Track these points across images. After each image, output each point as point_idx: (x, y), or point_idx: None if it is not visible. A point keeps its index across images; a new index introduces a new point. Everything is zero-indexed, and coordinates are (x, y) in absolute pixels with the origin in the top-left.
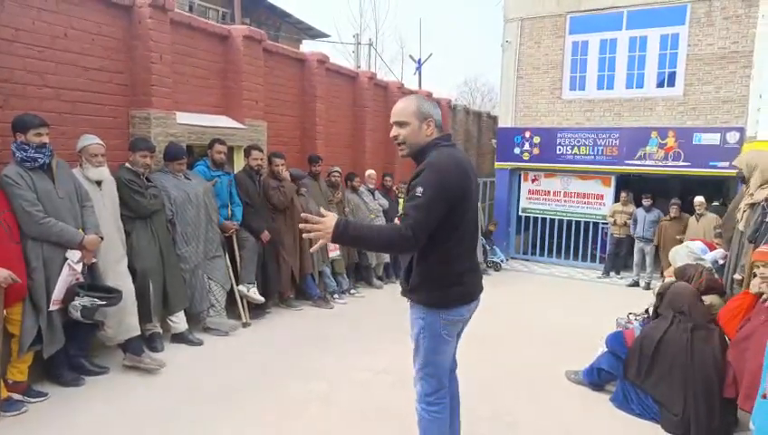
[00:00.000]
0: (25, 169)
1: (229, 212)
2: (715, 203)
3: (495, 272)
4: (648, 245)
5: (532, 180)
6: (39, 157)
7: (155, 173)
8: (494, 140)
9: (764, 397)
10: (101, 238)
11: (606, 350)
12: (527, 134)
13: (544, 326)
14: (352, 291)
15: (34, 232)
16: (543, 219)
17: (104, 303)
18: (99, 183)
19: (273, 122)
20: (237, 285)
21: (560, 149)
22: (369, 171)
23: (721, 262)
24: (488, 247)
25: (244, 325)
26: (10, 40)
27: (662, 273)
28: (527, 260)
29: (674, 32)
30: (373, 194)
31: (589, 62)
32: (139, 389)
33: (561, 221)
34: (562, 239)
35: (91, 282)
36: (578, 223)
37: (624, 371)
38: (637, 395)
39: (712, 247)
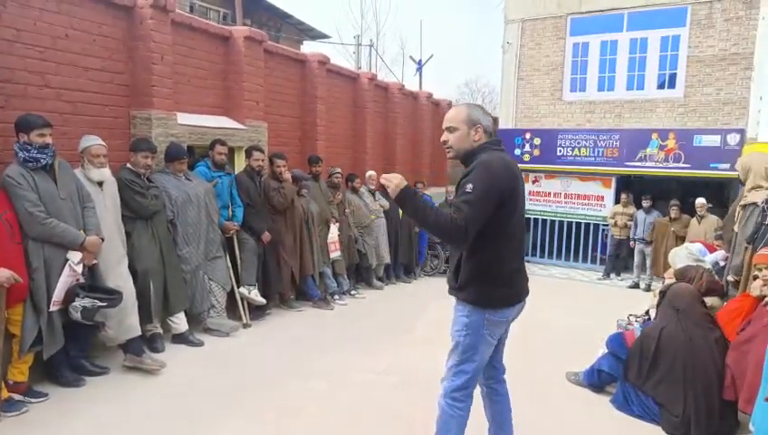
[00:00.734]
0: (28, 170)
1: (230, 213)
2: (709, 205)
3: None
4: (648, 246)
5: (533, 182)
6: (42, 157)
7: (156, 174)
8: None
9: (766, 400)
10: (102, 240)
11: (606, 351)
12: (527, 135)
13: (544, 328)
14: (353, 292)
15: (36, 233)
16: (544, 221)
17: (104, 304)
18: (100, 184)
19: (274, 123)
20: (238, 286)
21: (560, 151)
22: (370, 172)
23: (722, 263)
24: None
25: (245, 326)
26: (11, 40)
27: (658, 273)
28: (527, 261)
29: (674, 33)
30: (374, 195)
31: (589, 64)
32: (140, 389)
33: (561, 223)
34: (563, 241)
35: (92, 283)
36: (578, 224)
37: (624, 372)
38: (637, 396)
39: (712, 249)
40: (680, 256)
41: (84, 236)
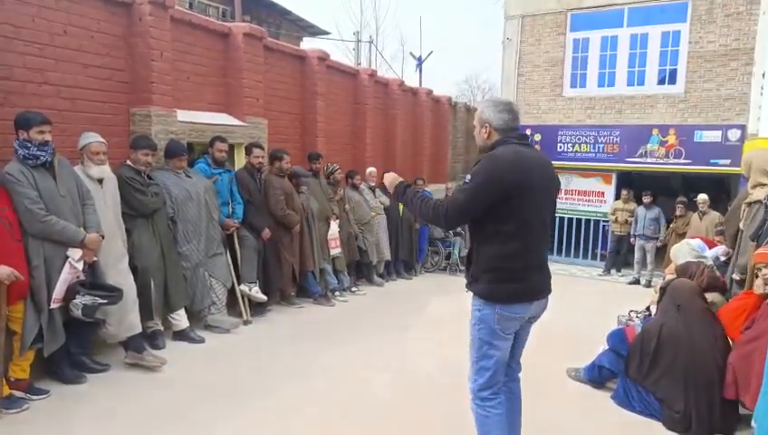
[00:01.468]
0: (27, 167)
1: (230, 210)
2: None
3: None
4: (648, 242)
5: None
6: (41, 154)
7: (156, 171)
8: None
9: None
10: (102, 237)
11: (607, 347)
12: (528, 132)
13: (545, 324)
14: (353, 289)
15: (36, 230)
16: None
17: (105, 301)
18: (100, 181)
19: (274, 120)
20: (239, 283)
21: (561, 147)
22: (371, 169)
23: (722, 259)
24: None
25: (246, 323)
26: (9, 37)
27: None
28: None
29: (675, 29)
30: (374, 191)
31: (590, 60)
32: (141, 386)
33: (561, 219)
34: (563, 237)
35: (93, 280)
36: (579, 220)
37: (625, 368)
38: (638, 392)
39: (711, 245)
40: (682, 252)
41: (84, 234)
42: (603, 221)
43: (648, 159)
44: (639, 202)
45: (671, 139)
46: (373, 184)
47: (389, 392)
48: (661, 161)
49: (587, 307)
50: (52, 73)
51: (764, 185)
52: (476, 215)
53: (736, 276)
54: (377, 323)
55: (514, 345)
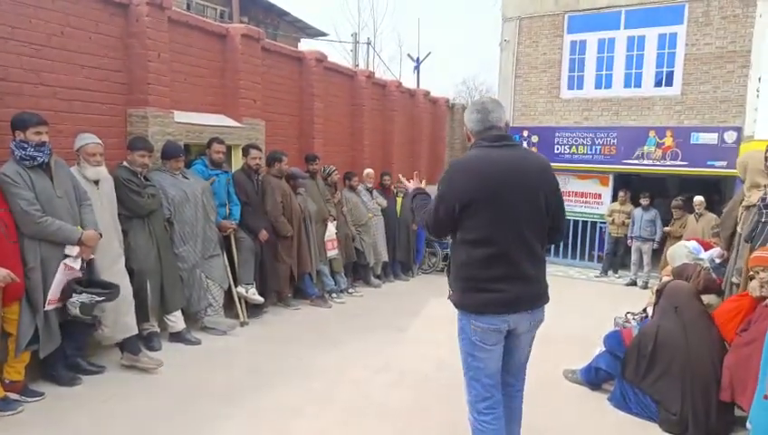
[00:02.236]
0: (24, 168)
1: (227, 211)
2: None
3: None
4: (645, 244)
5: None
6: (38, 155)
7: (153, 172)
8: None
9: (765, 398)
10: (100, 235)
11: (604, 349)
12: (525, 133)
13: (542, 325)
14: (350, 290)
15: (32, 231)
16: None
17: (102, 299)
18: (96, 182)
19: (271, 121)
20: (236, 285)
21: (558, 149)
22: (368, 170)
23: (717, 261)
24: None
25: (242, 325)
26: (6, 38)
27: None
28: None
29: (672, 31)
30: (371, 193)
31: (587, 62)
32: (137, 388)
33: None
34: None
35: (89, 277)
36: (575, 222)
37: (622, 370)
38: (635, 394)
39: (707, 246)
40: (679, 254)
41: (81, 232)
42: (600, 223)
43: (645, 161)
44: (636, 204)
45: (668, 141)
46: (370, 185)
47: (386, 394)
48: (658, 163)
49: (584, 309)
50: (49, 74)
51: (759, 187)
52: (450, 223)
53: (735, 280)
54: (374, 324)
55: (508, 359)
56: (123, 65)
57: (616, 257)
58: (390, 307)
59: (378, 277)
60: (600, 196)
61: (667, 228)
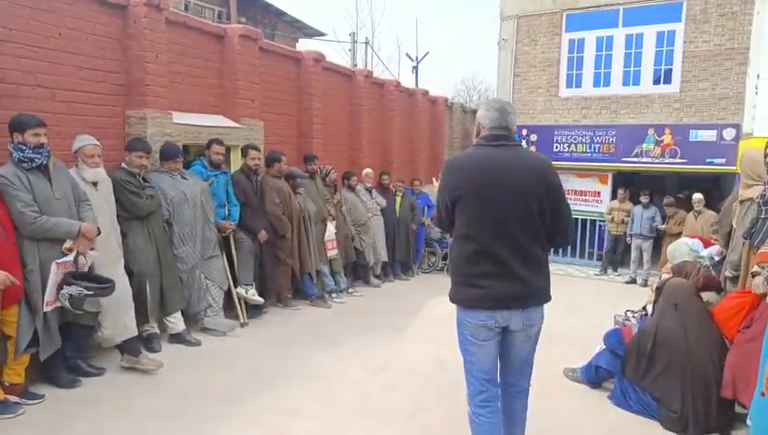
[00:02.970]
0: (22, 170)
1: (226, 212)
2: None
3: None
4: (645, 242)
5: None
6: (36, 157)
7: (151, 173)
8: None
9: (763, 395)
10: (99, 230)
11: (604, 347)
12: (524, 132)
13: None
14: (350, 290)
15: (29, 232)
16: None
17: (91, 293)
18: (95, 184)
19: (270, 121)
20: (235, 285)
21: (557, 147)
22: (367, 170)
23: (717, 258)
24: None
25: (242, 325)
26: (3, 40)
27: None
28: None
29: (670, 29)
30: (371, 192)
31: (585, 60)
32: (137, 390)
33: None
34: None
35: (86, 272)
36: (575, 220)
37: (622, 368)
38: (635, 392)
39: (708, 244)
40: (679, 252)
41: (80, 225)
42: (600, 221)
43: (644, 159)
44: (636, 202)
45: (667, 138)
46: (370, 185)
47: (386, 394)
48: (657, 161)
49: (584, 307)
50: (47, 76)
51: (753, 184)
52: (448, 219)
53: (729, 273)
54: (373, 324)
55: (505, 357)
56: (121, 66)
57: (615, 255)
58: (390, 307)
59: (377, 277)
60: (599, 194)
61: (662, 226)
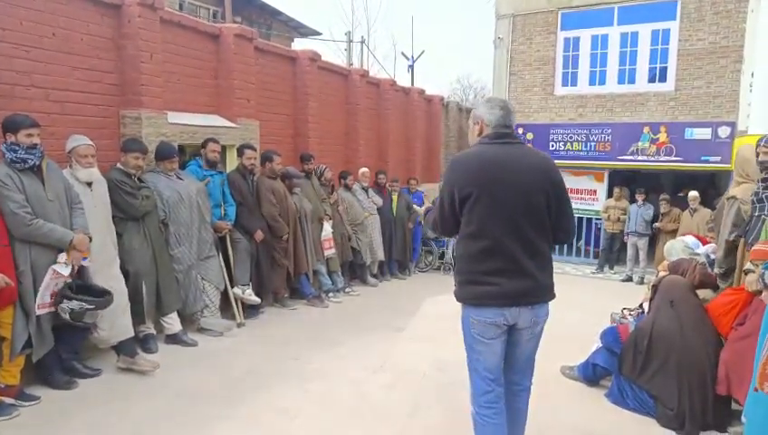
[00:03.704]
0: (15, 171)
1: (222, 212)
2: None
3: None
4: (640, 239)
5: None
6: (29, 158)
7: (147, 173)
8: None
9: (756, 390)
10: (90, 239)
11: (601, 345)
12: (520, 130)
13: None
14: (347, 289)
15: (22, 234)
16: None
17: (92, 307)
18: (89, 184)
19: (266, 121)
20: (232, 286)
21: (552, 145)
22: (363, 169)
23: (713, 256)
24: None
25: (239, 326)
26: None
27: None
28: None
29: (665, 27)
30: (367, 192)
31: (580, 58)
32: (134, 391)
33: None
34: None
35: (83, 283)
36: None
37: (619, 366)
38: (632, 390)
39: (704, 241)
40: (676, 249)
41: (73, 235)
42: (596, 219)
43: (640, 157)
44: (633, 200)
45: (662, 136)
46: (366, 184)
47: (384, 394)
48: (652, 159)
49: (580, 305)
50: (41, 76)
51: (742, 182)
52: (453, 218)
53: (716, 270)
54: (371, 323)
55: (511, 355)
56: (115, 66)
57: (612, 253)
58: (387, 306)
59: (374, 276)
60: (595, 192)
61: (657, 224)
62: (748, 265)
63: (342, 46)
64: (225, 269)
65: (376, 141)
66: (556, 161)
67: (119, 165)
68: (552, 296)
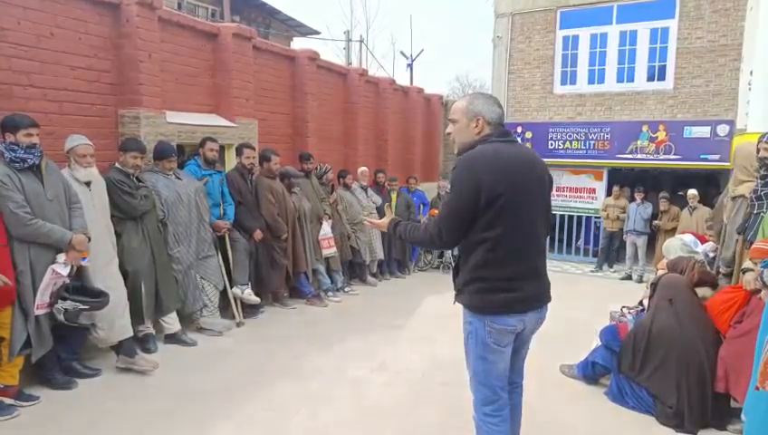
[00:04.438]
0: (14, 170)
1: (221, 211)
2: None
3: None
4: (639, 238)
5: None
6: (29, 157)
7: (145, 173)
8: None
9: (757, 389)
10: (89, 238)
11: (600, 343)
12: (519, 129)
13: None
14: (347, 289)
15: (22, 234)
16: None
17: (86, 308)
18: (88, 184)
19: (264, 120)
20: (231, 285)
21: (551, 144)
22: (362, 168)
23: (711, 254)
24: None
25: (238, 325)
26: None
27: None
28: None
29: (663, 25)
30: (366, 191)
31: (579, 57)
32: (133, 390)
33: (553, 215)
34: (555, 233)
35: (80, 284)
36: (570, 217)
37: (618, 364)
38: (631, 388)
39: (703, 240)
40: (675, 247)
41: (72, 234)
42: (595, 218)
43: (639, 156)
44: (632, 198)
45: (661, 135)
46: (365, 183)
47: (384, 392)
48: (651, 157)
49: (580, 303)
50: (39, 76)
51: (745, 181)
52: (467, 225)
53: (723, 269)
54: (370, 322)
55: (515, 358)
56: (114, 66)
57: (611, 252)
58: (387, 305)
59: (374, 275)
60: (594, 190)
61: (656, 222)
62: (746, 264)
63: (341, 45)
64: (224, 269)
65: (375, 140)
66: (555, 160)
67: (117, 164)
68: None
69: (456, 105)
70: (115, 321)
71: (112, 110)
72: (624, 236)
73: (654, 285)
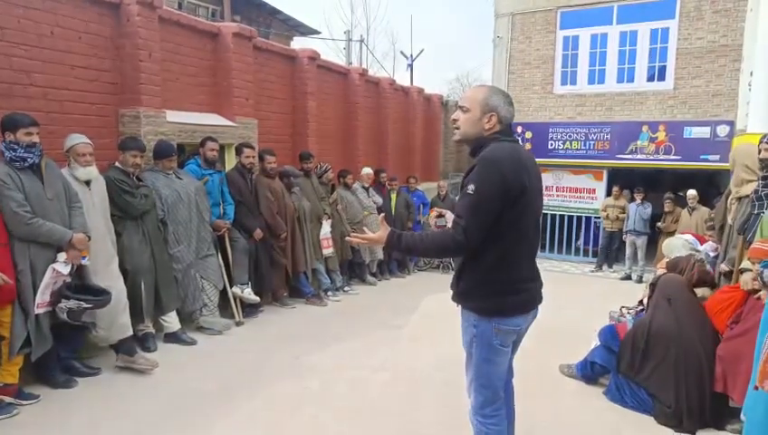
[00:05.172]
0: (14, 169)
1: (221, 211)
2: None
3: None
4: (639, 238)
5: None
6: (29, 157)
7: (146, 172)
8: None
9: (756, 388)
10: (89, 237)
11: (599, 343)
12: (519, 129)
13: (537, 320)
14: (346, 288)
15: (22, 233)
16: None
17: (90, 306)
18: (88, 183)
19: (264, 120)
20: (231, 285)
21: (551, 144)
22: (367, 170)
23: (712, 254)
24: None
25: (238, 324)
26: None
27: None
28: None
29: (664, 26)
30: (367, 191)
31: (580, 57)
32: (133, 389)
33: (553, 216)
34: (555, 234)
35: (81, 282)
36: (570, 217)
37: (617, 364)
38: (630, 388)
39: (702, 240)
40: (676, 247)
41: (72, 234)
42: (595, 218)
43: (639, 156)
44: (632, 199)
45: (661, 135)
46: (367, 185)
47: (384, 392)
48: (651, 158)
49: (579, 303)
50: (39, 75)
51: (750, 180)
52: (491, 225)
53: (724, 267)
54: (370, 322)
55: (510, 358)
56: (114, 65)
57: (611, 252)
58: (386, 305)
59: (373, 275)
60: (594, 191)
61: (659, 224)
62: (745, 264)
63: (341, 45)
64: (223, 268)
65: (375, 140)
66: (555, 160)
67: (117, 164)
68: None
69: (471, 94)
70: (115, 320)
71: (113, 109)
72: (624, 236)
73: (653, 285)
